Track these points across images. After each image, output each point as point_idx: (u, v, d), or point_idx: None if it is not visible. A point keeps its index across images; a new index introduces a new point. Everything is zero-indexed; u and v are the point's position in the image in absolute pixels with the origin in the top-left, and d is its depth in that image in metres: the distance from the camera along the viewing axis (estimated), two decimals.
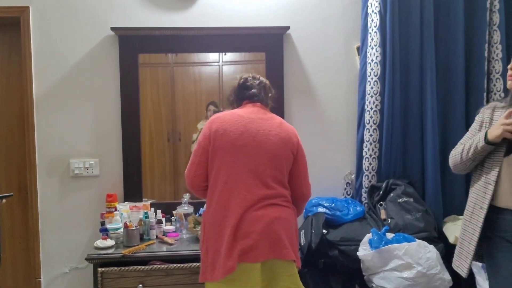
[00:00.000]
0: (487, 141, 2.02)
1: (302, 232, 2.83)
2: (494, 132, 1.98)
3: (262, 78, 2.37)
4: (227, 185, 2.08)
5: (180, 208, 2.94)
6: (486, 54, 3.06)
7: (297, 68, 3.19)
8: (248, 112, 2.21)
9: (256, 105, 2.27)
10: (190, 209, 2.94)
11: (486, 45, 3.05)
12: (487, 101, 3.07)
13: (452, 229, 2.90)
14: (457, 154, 2.20)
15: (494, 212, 2.05)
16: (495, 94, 3.07)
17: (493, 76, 3.08)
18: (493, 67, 3.07)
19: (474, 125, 2.22)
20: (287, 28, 3.11)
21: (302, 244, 2.75)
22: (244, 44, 3.17)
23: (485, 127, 2.12)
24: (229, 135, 2.12)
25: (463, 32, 3.06)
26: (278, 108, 3.11)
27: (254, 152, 2.12)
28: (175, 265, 2.56)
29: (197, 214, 2.95)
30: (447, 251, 2.78)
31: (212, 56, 3.25)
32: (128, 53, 3.08)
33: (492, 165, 2.04)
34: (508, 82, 2.00)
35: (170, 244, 2.72)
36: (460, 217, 3.02)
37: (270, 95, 2.37)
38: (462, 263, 2.16)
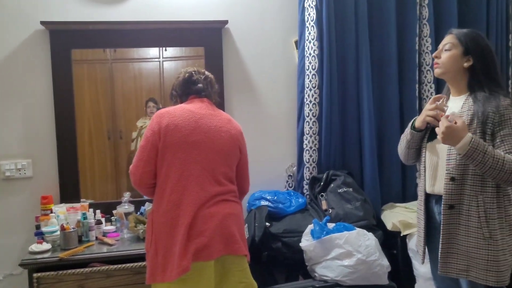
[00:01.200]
0: (413, 128, 2.10)
1: (246, 226, 2.83)
2: (419, 118, 2.06)
3: (207, 73, 2.33)
4: (180, 183, 2.03)
5: (120, 207, 2.87)
6: (417, 47, 3.19)
7: (236, 63, 3.18)
8: (197, 108, 2.16)
9: (204, 100, 2.23)
10: (131, 208, 2.87)
11: (417, 38, 3.18)
12: (419, 92, 3.20)
13: (390, 216, 3.00)
14: (399, 144, 2.27)
15: (428, 199, 2.14)
16: (426, 85, 3.21)
17: (424, 68, 3.22)
18: (424, 59, 3.21)
19: None
20: (226, 22, 3.10)
21: (246, 237, 2.75)
22: (182, 39, 3.12)
23: None
24: (180, 130, 2.06)
25: (395, 26, 3.16)
26: (218, 103, 3.07)
27: (206, 149, 2.08)
28: (116, 266, 2.49)
29: (138, 213, 2.89)
30: (385, 238, 2.88)
31: (153, 52, 3.19)
32: (60, 49, 2.95)
33: (422, 152, 2.13)
34: (435, 70, 2.08)
35: (111, 245, 2.64)
36: (397, 204, 3.14)
37: (215, 90, 2.34)
38: (420, 250, 2.22)
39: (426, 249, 2.17)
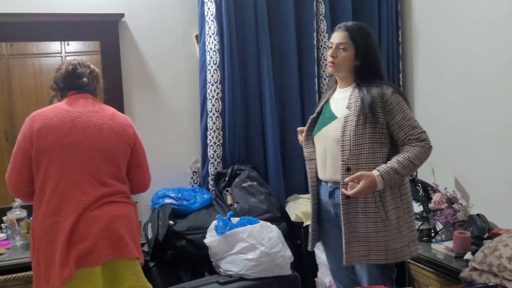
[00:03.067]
0: None
1: (149, 225, 2.76)
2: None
3: (92, 66, 2.21)
4: (58, 188, 1.92)
5: (11, 213, 2.67)
6: (315, 42, 3.28)
7: (135, 58, 3.08)
8: (75, 105, 2.04)
9: (85, 96, 2.11)
10: (23, 213, 2.69)
11: (315, 33, 3.27)
12: (319, 86, 3.30)
13: (294, 208, 3.07)
14: None
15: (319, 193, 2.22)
16: (324, 79, 3.32)
17: (322, 63, 3.32)
18: (322, 54, 3.31)
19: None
20: (122, 15, 2.98)
21: (150, 237, 2.69)
22: (78, 32, 2.97)
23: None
24: (55, 132, 1.94)
25: (294, 22, 3.23)
26: (117, 100, 2.99)
27: (86, 150, 1.97)
28: (6, 276, 2.33)
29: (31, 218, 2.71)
30: (289, 229, 2.95)
31: (54, 47, 3.04)
32: None
33: (309, 143, 2.24)
34: (330, 69, 2.15)
35: (1, 254, 2.46)
36: (301, 195, 3.22)
37: (100, 85, 2.23)
38: (312, 239, 2.30)
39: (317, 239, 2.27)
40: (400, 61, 3.47)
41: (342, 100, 2.13)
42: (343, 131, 2.03)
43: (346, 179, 1.94)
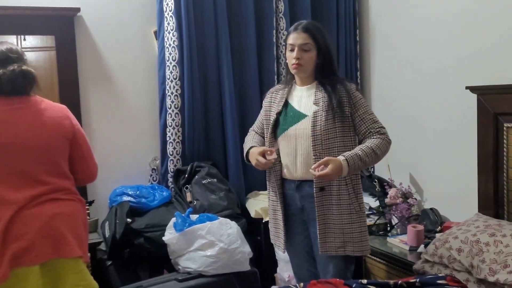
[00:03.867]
0: (247, 160, 2.24)
1: (107, 223, 2.72)
2: (252, 160, 2.17)
3: (25, 57, 2.00)
4: None
5: None
6: (274, 40, 3.30)
7: (92, 54, 3.02)
8: (2, 103, 1.91)
9: (16, 91, 1.92)
10: None
11: (274, 31, 3.30)
12: (278, 83, 3.32)
13: (254, 204, 3.09)
14: (245, 143, 2.36)
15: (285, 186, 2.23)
16: (284, 76, 3.33)
17: (281, 60, 3.34)
18: (281, 51, 3.33)
19: (261, 111, 2.37)
20: (78, 9, 2.92)
21: (107, 236, 2.65)
22: (31, 26, 2.89)
23: (266, 111, 2.28)
24: None
25: (253, 19, 3.24)
26: (73, 96, 2.93)
27: (17, 150, 1.87)
28: None
29: None
30: (249, 225, 2.96)
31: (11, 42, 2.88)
32: None
33: (272, 143, 2.23)
34: (296, 71, 2.15)
35: None
36: (261, 192, 3.24)
37: (34, 78, 1.99)
38: (279, 241, 2.30)
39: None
40: (357, 59, 3.54)
41: (307, 98, 2.16)
42: (313, 126, 2.07)
43: (314, 165, 1.96)
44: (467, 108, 2.61)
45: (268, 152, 2.09)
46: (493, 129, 2.43)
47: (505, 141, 2.38)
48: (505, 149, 2.39)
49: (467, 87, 2.52)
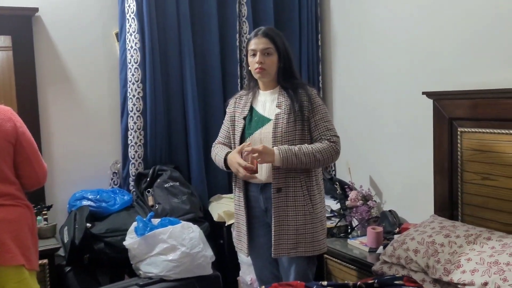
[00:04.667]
0: (227, 167, 2.21)
1: (65, 228, 2.66)
2: (232, 167, 2.14)
3: None
4: None
5: None
6: (237, 43, 3.32)
7: (51, 55, 2.95)
8: None
9: None
10: None
11: (237, 35, 3.31)
12: (241, 87, 3.33)
13: (216, 208, 3.09)
14: (213, 155, 2.35)
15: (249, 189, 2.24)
16: (246, 82, 3.35)
17: (244, 64, 3.34)
18: (245, 55, 3.32)
19: (226, 117, 2.37)
20: (36, 9, 2.85)
21: (66, 241, 2.60)
22: None
23: (231, 117, 2.28)
24: None
25: (216, 22, 3.24)
26: (30, 98, 2.87)
27: None
28: None
29: None
30: (212, 229, 2.96)
31: None
32: None
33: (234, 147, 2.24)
34: (260, 75, 2.17)
35: None
36: (224, 195, 3.24)
37: None
38: (242, 245, 2.30)
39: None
40: (319, 64, 3.59)
41: (270, 102, 2.19)
42: (275, 128, 2.11)
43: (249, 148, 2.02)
44: (424, 113, 2.69)
45: (245, 148, 2.08)
46: (448, 133, 2.51)
47: (459, 145, 2.47)
48: (459, 153, 2.47)
49: (423, 93, 2.59)
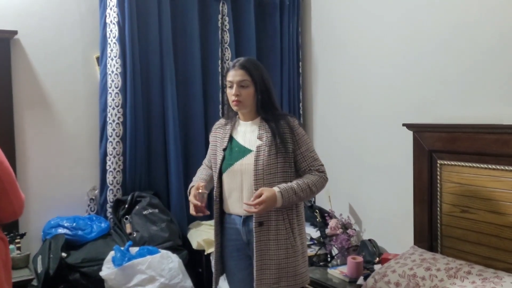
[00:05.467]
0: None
1: (39, 258, 2.58)
2: (190, 198, 2.14)
3: None
4: None
5: None
6: (219, 70, 3.32)
7: (29, 78, 2.90)
8: None
9: None
10: None
11: (219, 61, 3.32)
12: (223, 113, 3.33)
13: (196, 235, 3.05)
14: (193, 178, 2.32)
15: (226, 221, 2.21)
16: (226, 111, 3.35)
17: (226, 90, 3.35)
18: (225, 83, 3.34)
19: (210, 145, 2.35)
20: (15, 32, 2.80)
21: (39, 271, 2.51)
22: None
23: (213, 146, 2.27)
24: None
25: (199, 49, 3.25)
26: (6, 122, 2.80)
27: None
28: None
29: None
30: (191, 257, 2.91)
31: None
32: None
33: (214, 179, 2.22)
34: (237, 107, 2.16)
35: None
36: (203, 222, 3.20)
37: None
38: (217, 272, 2.26)
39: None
40: (300, 91, 3.62)
41: (251, 133, 2.16)
42: (256, 160, 2.08)
43: (251, 201, 1.97)
44: (404, 144, 2.72)
45: (200, 189, 2.08)
46: (428, 165, 2.54)
47: (438, 177, 2.50)
48: (438, 185, 2.51)
49: (403, 124, 2.63)
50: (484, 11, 2.38)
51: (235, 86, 2.12)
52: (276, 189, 1.99)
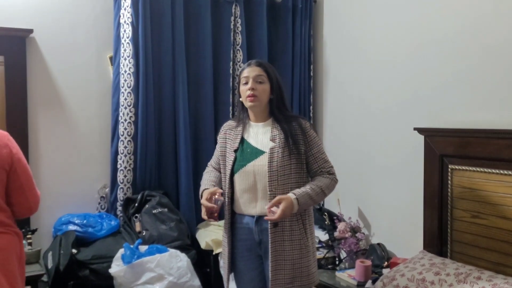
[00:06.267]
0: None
1: (50, 254, 2.61)
2: (202, 202, 2.11)
3: None
4: None
5: None
6: (231, 71, 3.34)
7: (43, 76, 2.94)
8: None
9: None
10: None
11: (231, 63, 3.33)
12: (233, 114, 3.34)
13: (204, 235, 3.06)
14: (202, 181, 2.31)
15: (236, 221, 2.22)
16: (236, 113, 3.36)
17: (237, 92, 3.36)
18: (237, 83, 3.35)
19: (217, 146, 2.35)
20: (30, 31, 2.84)
21: (50, 267, 2.54)
22: None
23: (222, 147, 2.27)
24: None
25: (211, 50, 3.27)
26: (20, 120, 2.84)
27: None
28: None
29: None
30: (199, 257, 2.92)
31: None
32: None
33: (225, 179, 2.21)
34: (251, 103, 2.16)
35: None
36: (212, 222, 3.19)
37: None
38: (226, 271, 2.26)
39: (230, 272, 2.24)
40: (311, 94, 3.63)
41: (263, 134, 2.16)
42: (270, 162, 2.08)
43: (267, 206, 1.98)
44: (414, 148, 2.71)
45: (216, 195, 2.07)
46: (439, 170, 2.53)
47: (449, 182, 2.49)
48: (449, 190, 2.49)
49: (415, 128, 2.62)
50: (497, 16, 2.37)
51: (251, 80, 2.11)
52: (291, 195, 1.99)
